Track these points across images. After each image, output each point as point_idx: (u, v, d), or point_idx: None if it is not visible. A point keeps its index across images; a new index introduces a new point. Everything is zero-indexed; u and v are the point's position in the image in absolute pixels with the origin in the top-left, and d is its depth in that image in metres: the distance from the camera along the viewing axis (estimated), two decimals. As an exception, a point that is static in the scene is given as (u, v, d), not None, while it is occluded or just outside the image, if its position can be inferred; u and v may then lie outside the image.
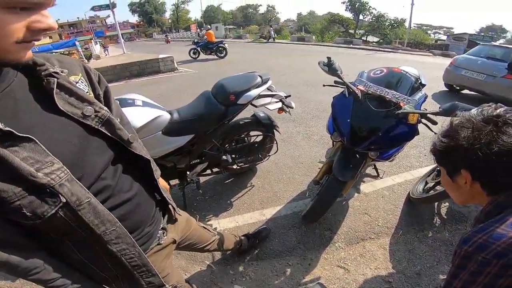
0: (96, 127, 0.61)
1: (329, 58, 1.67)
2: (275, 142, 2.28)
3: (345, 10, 35.78)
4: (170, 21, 55.54)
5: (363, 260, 1.73)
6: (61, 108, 0.55)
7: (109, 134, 0.63)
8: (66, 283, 0.61)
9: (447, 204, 2.17)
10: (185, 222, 1.05)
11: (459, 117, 0.67)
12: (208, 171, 2.18)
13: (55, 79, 0.55)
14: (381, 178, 2.46)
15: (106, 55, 11.84)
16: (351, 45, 17.73)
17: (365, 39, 30.00)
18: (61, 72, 0.58)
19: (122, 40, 11.49)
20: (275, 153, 2.36)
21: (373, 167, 2.42)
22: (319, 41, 23.68)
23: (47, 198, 0.49)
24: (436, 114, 1.35)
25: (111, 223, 0.60)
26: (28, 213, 0.47)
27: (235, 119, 1.97)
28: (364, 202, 2.23)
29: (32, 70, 0.54)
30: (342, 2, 35.09)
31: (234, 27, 47.55)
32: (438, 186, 2.00)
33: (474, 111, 0.67)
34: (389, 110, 1.48)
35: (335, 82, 1.79)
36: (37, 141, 0.49)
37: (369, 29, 33.54)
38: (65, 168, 0.52)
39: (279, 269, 1.68)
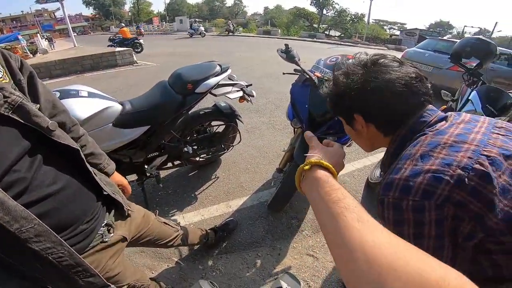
0: (6, 114, 0.55)
1: (286, 45, 1.67)
2: (238, 132, 2.25)
3: (310, 4, 36.82)
4: (130, 14, 52.14)
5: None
6: None
7: (22, 121, 0.57)
8: None
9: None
10: (141, 218, 0.99)
11: (339, 68, 0.71)
12: (169, 164, 2.09)
13: None
14: (342, 164, 2.56)
15: (52, 49, 10.77)
16: (315, 39, 18.28)
17: (328, 33, 31.07)
18: None
19: (73, 34, 10.52)
20: (238, 143, 2.33)
21: (334, 153, 2.52)
22: (285, 35, 24.04)
23: None
24: None
25: (26, 220, 0.54)
26: None
27: (195, 109, 1.90)
28: (327, 188, 2.30)
29: None
30: (307, -4, 36.03)
31: (200, 20, 46.23)
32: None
33: (350, 60, 0.72)
34: (343, 95, 1.53)
35: (295, 70, 1.80)
36: None
37: (332, 23, 34.83)
38: None
39: (249, 261, 1.67)
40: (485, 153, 0.52)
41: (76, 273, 0.64)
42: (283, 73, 1.90)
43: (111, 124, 1.50)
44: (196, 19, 23.57)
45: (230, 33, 21.45)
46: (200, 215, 2.01)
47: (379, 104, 0.64)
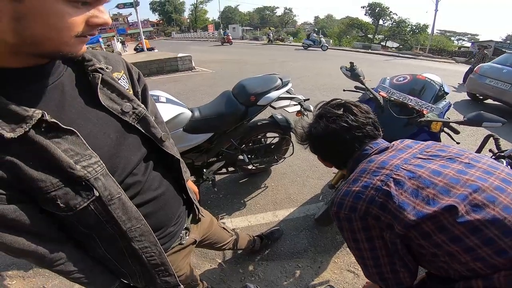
0: (133, 123, 0.61)
1: (352, 63, 1.67)
2: (291, 144, 2.28)
3: (365, 14, 35.44)
4: (188, 20, 56.45)
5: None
6: (103, 103, 0.56)
7: (143, 131, 0.64)
8: (87, 275, 0.62)
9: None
10: (208, 223, 1.05)
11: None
12: (224, 170, 2.21)
13: (100, 75, 0.56)
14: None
15: (125, 52, 12.21)
16: (370, 50, 17.45)
17: (384, 44, 29.39)
18: (106, 68, 0.59)
19: (143, 38, 11.71)
20: (291, 155, 2.36)
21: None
22: (336, 45, 23.45)
23: (81, 191, 0.50)
24: (460, 123, 1.33)
25: (137, 220, 0.60)
26: (61, 204, 0.48)
27: (253, 119, 1.99)
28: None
29: (80, 65, 0.55)
30: (361, 7, 34.80)
31: (251, 28, 47.72)
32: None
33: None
34: (411, 117, 1.47)
35: (356, 87, 1.78)
36: (78, 134, 0.49)
37: (389, 34, 32.89)
38: (101, 162, 0.52)
39: (288, 270, 1.69)
40: (394, 176, 0.64)
41: (157, 272, 0.69)
42: (344, 90, 1.89)
43: (181, 129, 1.66)
44: (315, 29, 20.57)
45: (279, 42, 21.74)
46: (247, 221, 2.09)
47: (324, 149, 0.87)
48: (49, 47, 0.42)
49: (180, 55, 8.35)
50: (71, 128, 0.49)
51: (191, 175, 2.03)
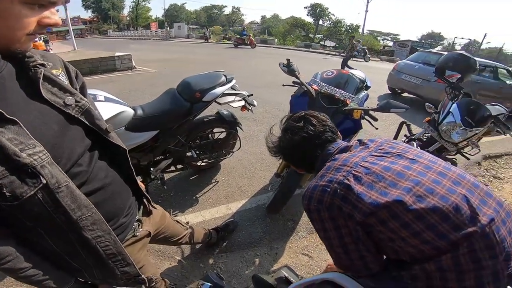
0: (76, 115, 0.63)
1: (288, 60, 1.83)
2: (238, 139, 2.37)
3: (307, 14, 37.67)
4: (128, 18, 52.18)
5: (324, 247, 1.90)
6: (44, 97, 0.58)
7: (87, 123, 0.66)
8: (37, 273, 0.60)
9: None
10: (160, 216, 1.07)
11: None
12: (172, 168, 2.19)
13: (42, 70, 0.58)
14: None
15: (50, 50, 10.73)
16: (310, 49, 18.68)
17: (323, 43, 31.66)
18: (47, 64, 0.62)
19: (73, 36, 10.51)
20: (238, 149, 2.45)
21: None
22: (281, 44, 24.47)
23: (28, 178, 0.50)
24: (374, 110, 1.59)
25: (87, 209, 0.60)
26: (7, 193, 0.48)
27: (199, 116, 2.02)
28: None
29: (20, 61, 0.57)
30: (304, 7, 36.89)
31: (198, 27, 46.46)
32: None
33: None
34: (338, 107, 1.69)
35: (293, 82, 1.95)
36: (21, 124, 0.50)
37: (327, 34, 35.56)
38: (46, 151, 0.53)
39: (248, 259, 1.77)
40: (354, 172, 0.74)
41: (115, 262, 0.70)
42: (283, 85, 2.06)
43: (123, 128, 1.61)
44: (359, 40, 15.91)
45: (226, 40, 21.91)
46: (201, 216, 2.11)
47: (294, 158, 0.99)
48: (1, 44, 0.46)
49: (118, 54, 7.68)
50: (13, 118, 0.49)
51: (137, 175, 1.96)
